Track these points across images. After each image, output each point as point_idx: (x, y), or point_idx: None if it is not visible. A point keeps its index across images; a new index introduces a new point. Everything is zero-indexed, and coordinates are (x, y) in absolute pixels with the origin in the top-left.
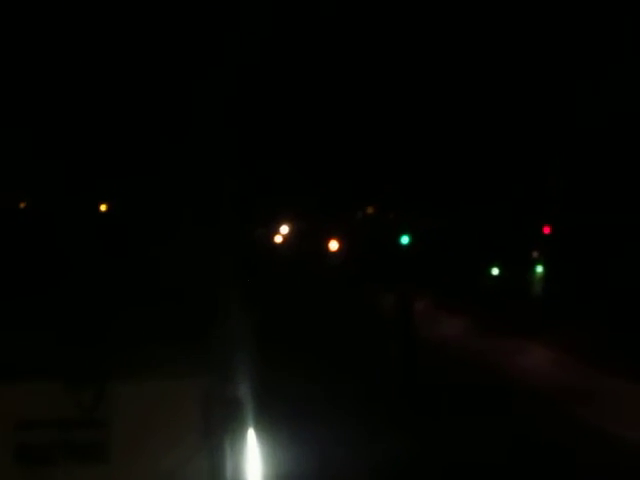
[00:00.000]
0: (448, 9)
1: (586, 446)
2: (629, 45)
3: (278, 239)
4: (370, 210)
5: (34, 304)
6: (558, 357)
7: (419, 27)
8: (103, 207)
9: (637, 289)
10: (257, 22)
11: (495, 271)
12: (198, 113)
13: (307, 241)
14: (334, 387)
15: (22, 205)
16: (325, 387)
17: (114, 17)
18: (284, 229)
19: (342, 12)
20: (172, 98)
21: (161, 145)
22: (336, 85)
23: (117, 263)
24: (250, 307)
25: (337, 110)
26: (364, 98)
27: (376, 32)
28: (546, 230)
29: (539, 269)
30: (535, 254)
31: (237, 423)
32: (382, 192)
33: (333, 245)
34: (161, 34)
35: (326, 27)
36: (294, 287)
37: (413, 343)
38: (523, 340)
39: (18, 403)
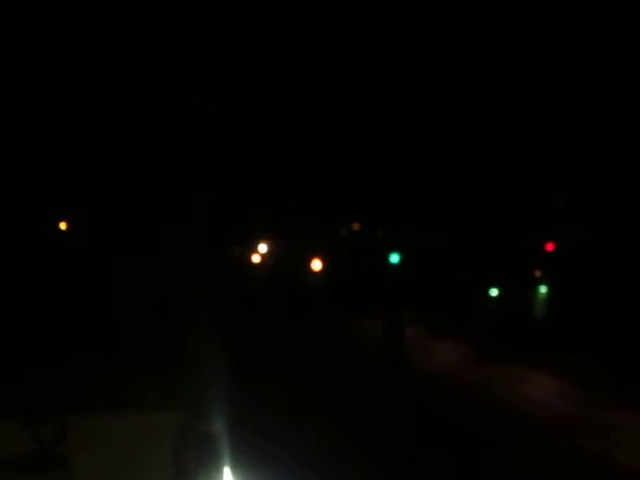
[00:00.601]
0: (450, 17)
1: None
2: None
3: (256, 258)
4: (356, 226)
5: None
6: (563, 388)
7: (414, 39)
8: (62, 226)
9: None
10: (228, 31)
11: (494, 292)
12: (166, 129)
13: (287, 260)
14: (316, 423)
15: None
16: (306, 423)
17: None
18: (262, 248)
19: (337, 17)
20: (136, 113)
21: (126, 163)
22: (318, 91)
23: (79, 287)
24: (226, 336)
25: (318, 117)
26: (348, 103)
27: (366, 48)
28: (549, 247)
29: (542, 289)
30: (538, 273)
31: (212, 460)
32: (369, 206)
33: (316, 265)
34: (125, 46)
35: (316, 37)
36: (273, 312)
37: (404, 375)
38: (526, 368)
39: None
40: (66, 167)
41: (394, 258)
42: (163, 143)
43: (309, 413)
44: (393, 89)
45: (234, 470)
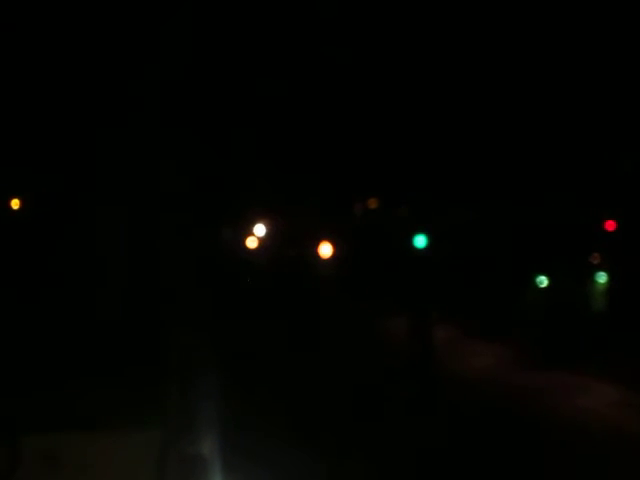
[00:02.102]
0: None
1: None
2: None
3: (252, 243)
4: (373, 203)
5: None
6: (629, 398)
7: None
8: (15, 204)
9: None
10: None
11: (543, 282)
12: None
13: (291, 245)
14: (324, 450)
15: None
16: (311, 450)
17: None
18: (259, 230)
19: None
20: (107, 84)
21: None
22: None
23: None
24: (218, 341)
25: (325, 77)
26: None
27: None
28: (610, 226)
29: (601, 278)
30: (595, 258)
31: None
32: (389, 179)
33: (325, 250)
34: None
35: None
36: (274, 311)
37: (433, 382)
38: (581, 374)
39: None
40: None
41: (420, 241)
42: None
43: (318, 439)
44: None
45: None
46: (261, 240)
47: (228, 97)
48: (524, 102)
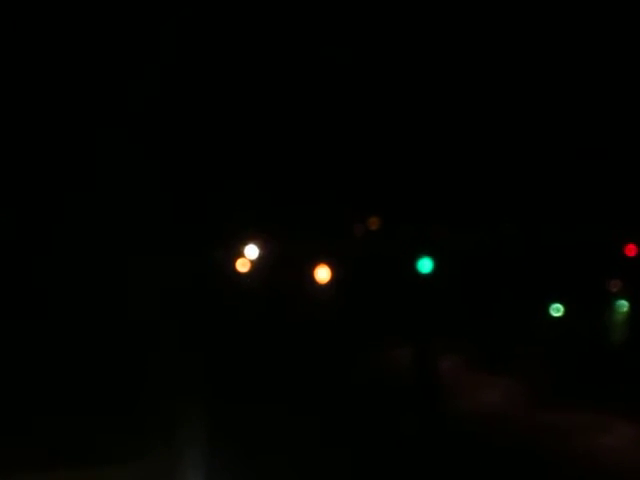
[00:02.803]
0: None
1: None
2: None
3: (243, 266)
4: (374, 224)
5: None
6: None
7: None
8: None
9: None
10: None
11: (557, 311)
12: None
13: (285, 269)
14: None
15: None
16: None
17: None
18: (251, 251)
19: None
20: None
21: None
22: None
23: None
24: (204, 373)
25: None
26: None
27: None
28: (630, 250)
29: (622, 306)
30: (615, 285)
31: None
32: (391, 195)
33: (322, 274)
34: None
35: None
36: (266, 344)
37: (440, 418)
38: (601, 412)
39: None
40: None
41: (425, 265)
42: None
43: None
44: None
45: None
46: (253, 263)
47: (215, 107)
48: (537, 118)
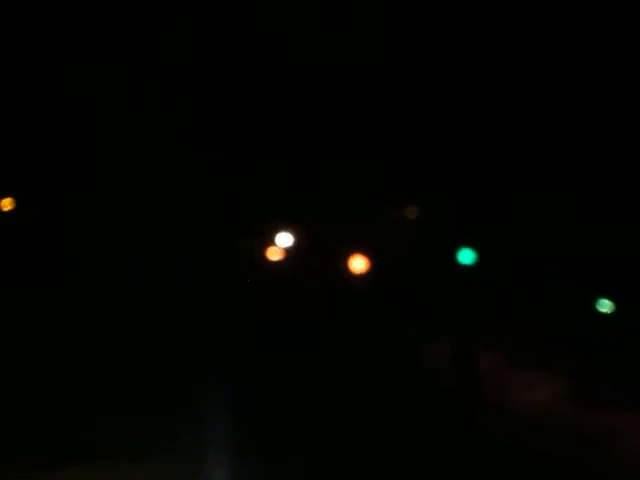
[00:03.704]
0: None
1: None
2: None
3: (274, 254)
4: (412, 211)
5: None
6: None
7: None
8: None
9: None
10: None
11: (606, 307)
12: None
13: (319, 258)
14: None
15: None
16: None
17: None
18: (284, 239)
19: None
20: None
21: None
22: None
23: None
24: (235, 369)
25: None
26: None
27: None
28: None
29: None
30: None
31: None
32: (432, 182)
33: (358, 264)
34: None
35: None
36: (299, 336)
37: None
38: None
39: None
40: None
41: (466, 256)
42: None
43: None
44: None
45: None
46: (286, 252)
47: (245, 91)
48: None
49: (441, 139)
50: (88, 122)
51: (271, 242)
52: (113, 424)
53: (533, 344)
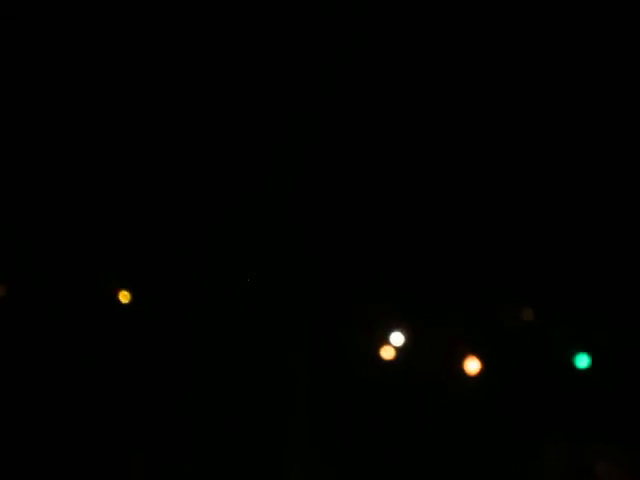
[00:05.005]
0: None
1: None
2: None
3: (388, 354)
4: (528, 314)
5: None
6: None
7: None
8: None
9: None
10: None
11: None
12: None
13: (432, 359)
14: None
15: None
16: None
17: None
18: (397, 337)
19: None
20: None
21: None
22: None
23: None
24: None
25: None
26: None
27: None
28: None
29: None
30: None
31: None
32: (547, 284)
33: (472, 365)
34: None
35: None
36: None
37: None
38: None
39: None
40: None
41: (582, 361)
42: None
43: None
44: None
45: None
46: (399, 351)
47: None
48: None
49: (557, 246)
50: None
51: (385, 340)
52: None
53: None
